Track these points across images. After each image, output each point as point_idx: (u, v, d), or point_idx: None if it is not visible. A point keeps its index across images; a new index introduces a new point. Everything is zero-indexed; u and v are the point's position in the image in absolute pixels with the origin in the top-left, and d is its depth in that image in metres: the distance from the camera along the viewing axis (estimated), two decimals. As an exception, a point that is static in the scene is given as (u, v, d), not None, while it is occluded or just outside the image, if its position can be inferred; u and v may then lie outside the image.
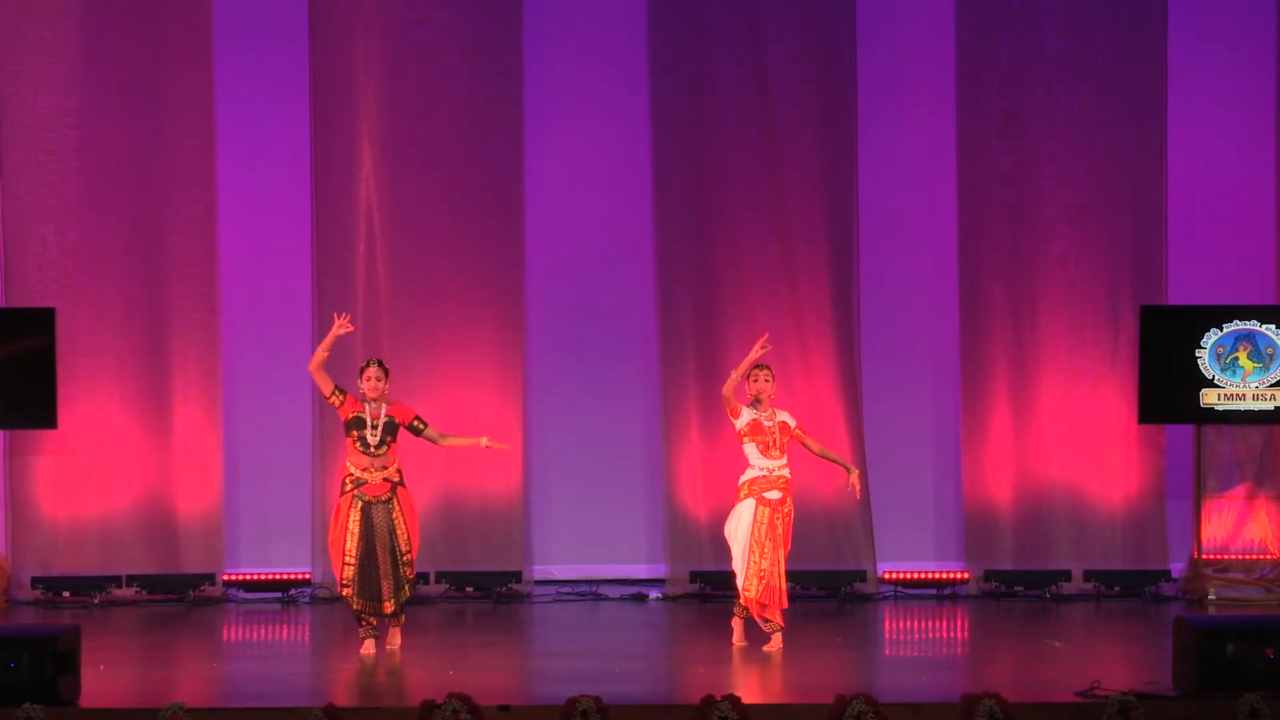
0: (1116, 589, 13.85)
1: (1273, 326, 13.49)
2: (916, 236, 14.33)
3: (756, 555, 11.13)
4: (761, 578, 11.12)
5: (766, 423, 11.23)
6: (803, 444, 11.36)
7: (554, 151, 14.25)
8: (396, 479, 11.17)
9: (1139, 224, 13.92)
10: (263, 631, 12.83)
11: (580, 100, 14.32)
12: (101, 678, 10.06)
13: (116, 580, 13.75)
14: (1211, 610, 13.19)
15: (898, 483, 14.23)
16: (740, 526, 11.22)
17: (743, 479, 11.27)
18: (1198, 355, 13.50)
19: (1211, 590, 13.54)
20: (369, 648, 11.11)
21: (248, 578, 13.85)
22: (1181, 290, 13.99)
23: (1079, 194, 13.92)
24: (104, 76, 13.74)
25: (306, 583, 13.78)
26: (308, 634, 12.74)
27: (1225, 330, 13.51)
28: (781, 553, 11.17)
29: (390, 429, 11.13)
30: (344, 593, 11.16)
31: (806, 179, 13.92)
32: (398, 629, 11.29)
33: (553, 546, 14.30)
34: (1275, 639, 9.28)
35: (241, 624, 13.06)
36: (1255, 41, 14.15)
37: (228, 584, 13.83)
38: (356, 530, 11.07)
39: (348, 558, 11.08)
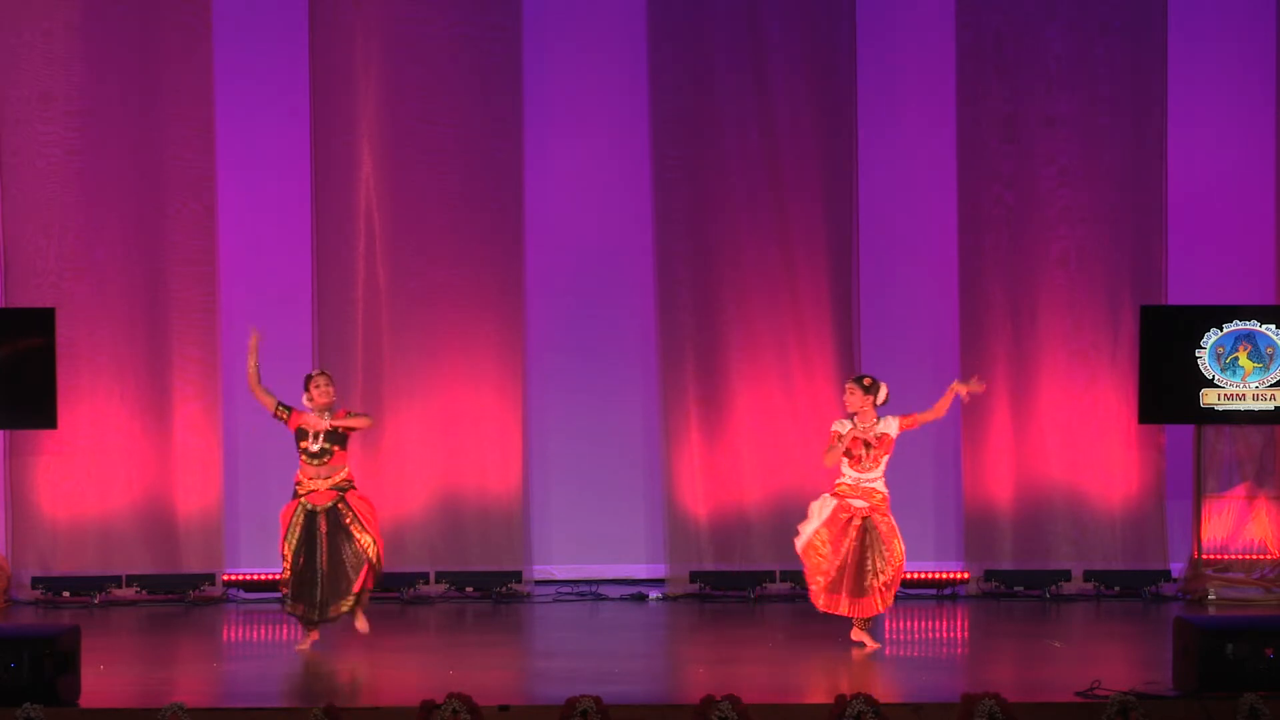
0: (1116, 589, 13.85)
1: (1273, 326, 13.49)
2: (916, 236, 14.33)
3: (819, 537, 11.16)
4: (825, 574, 11.12)
5: (863, 435, 11.24)
6: (924, 423, 11.37)
7: (554, 151, 14.25)
8: (345, 485, 11.26)
9: (1139, 224, 13.93)
10: (263, 631, 12.83)
11: (580, 100, 14.32)
12: (101, 678, 10.07)
13: (116, 580, 13.75)
14: (1211, 610, 13.19)
15: (898, 483, 14.12)
16: (814, 518, 11.27)
17: (837, 481, 11.33)
18: (1198, 355, 13.50)
19: (1211, 590, 13.53)
20: (307, 643, 11.24)
21: (248, 578, 13.84)
22: (1181, 290, 13.99)
23: (1079, 194, 13.92)
24: (104, 77, 13.74)
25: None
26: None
27: (1225, 330, 13.50)
28: (844, 549, 11.13)
29: (331, 437, 11.21)
30: (283, 591, 11.30)
31: (806, 178, 13.92)
32: (361, 615, 11.32)
33: (553, 546, 14.30)
34: (1275, 639, 9.28)
35: (241, 624, 13.06)
36: (1255, 42, 14.15)
37: (228, 584, 13.82)
38: (295, 539, 11.21)
39: (285, 562, 11.24)
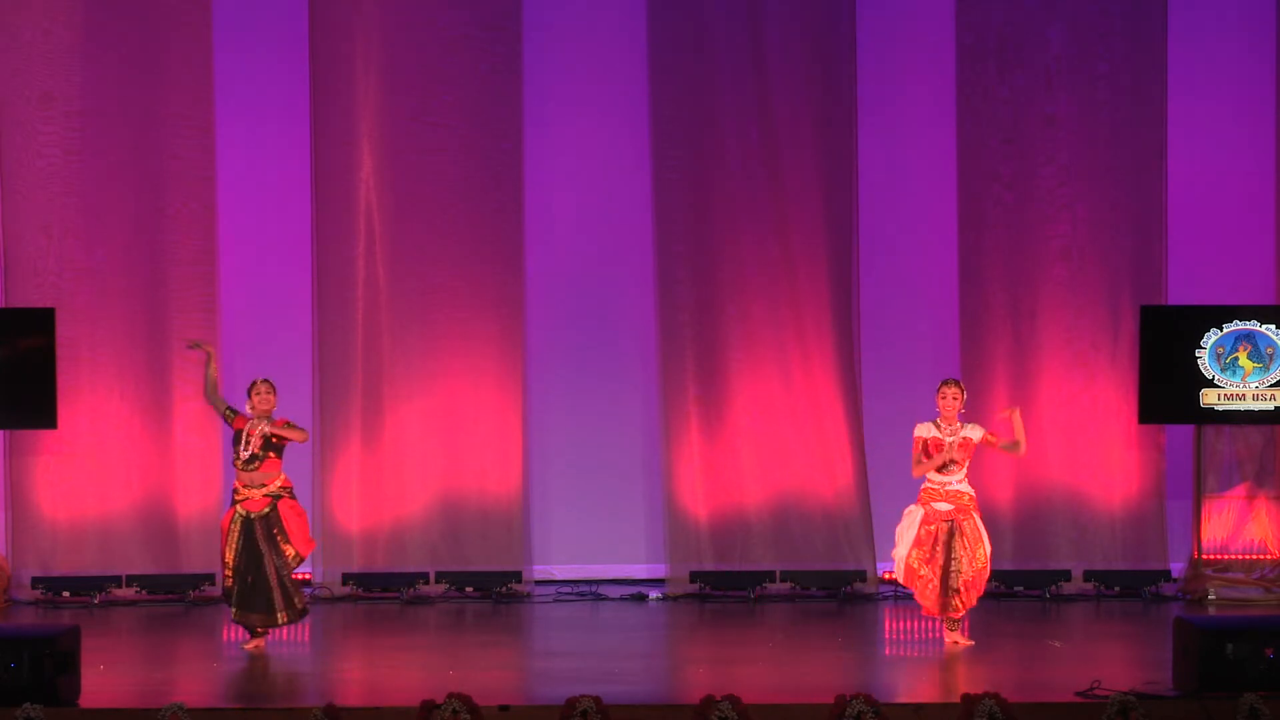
0: (1116, 589, 13.85)
1: (1273, 326, 13.49)
2: (916, 236, 14.32)
3: (914, 559, 11.25)
4: (934, 591, 11.24)
5: (948, 439, 11.29)
6: (996, 446, 11.45)
7: (554, 151, 14.25)
8: (278, 493, 11.28)
9: (1139, 224, 13.92)
10: (263, 631, 12.80)
11: (580, 99, 14.32)
12: (101, 678, 10.07)
13: (116, 580, 13.75)
14: (1211, 610, 13.19)
15: (898, 482, 14.16)
16: (902, 542, 11.35)
17: (921, 488, 11.42)
18: (1198, 355, 13.50)
19: (1211, 590, 13.53)
20: (256, 648, 11.25)
21: (247, 578, 13.83)
22: (1181, 290, 13.99)
23: (1079, 194, 13.92)
24: (104, 77, 13.73)
25: (306, 583, 13.73)
26: (307, 634, 12.72)
27: (1225, 330, 13.50)
28: (939, 560, 11.21)
29: (266, 445, 11.24)
30: (227, 599, 11.33)
31: (806, 177, 13.91)
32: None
33: (553, 546, 14.30)
34: (1275, 639, 9.29)
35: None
36: (1255, 42, 14.14)
37: (227, 584, 13.82)
38: (235, 544, 11.22)
39: (226, 569, 11.27)
